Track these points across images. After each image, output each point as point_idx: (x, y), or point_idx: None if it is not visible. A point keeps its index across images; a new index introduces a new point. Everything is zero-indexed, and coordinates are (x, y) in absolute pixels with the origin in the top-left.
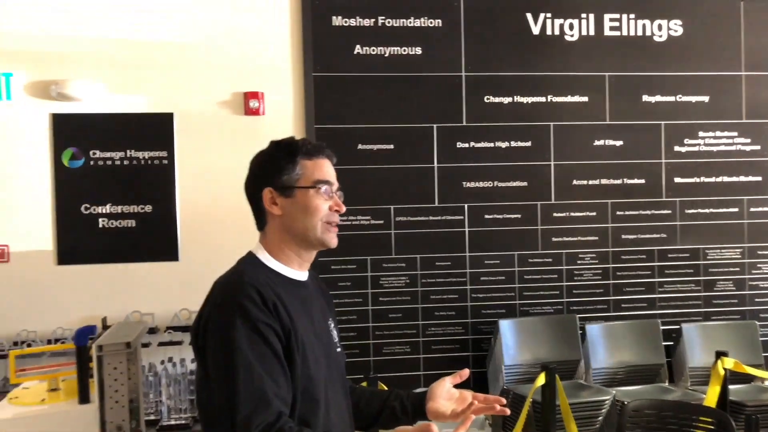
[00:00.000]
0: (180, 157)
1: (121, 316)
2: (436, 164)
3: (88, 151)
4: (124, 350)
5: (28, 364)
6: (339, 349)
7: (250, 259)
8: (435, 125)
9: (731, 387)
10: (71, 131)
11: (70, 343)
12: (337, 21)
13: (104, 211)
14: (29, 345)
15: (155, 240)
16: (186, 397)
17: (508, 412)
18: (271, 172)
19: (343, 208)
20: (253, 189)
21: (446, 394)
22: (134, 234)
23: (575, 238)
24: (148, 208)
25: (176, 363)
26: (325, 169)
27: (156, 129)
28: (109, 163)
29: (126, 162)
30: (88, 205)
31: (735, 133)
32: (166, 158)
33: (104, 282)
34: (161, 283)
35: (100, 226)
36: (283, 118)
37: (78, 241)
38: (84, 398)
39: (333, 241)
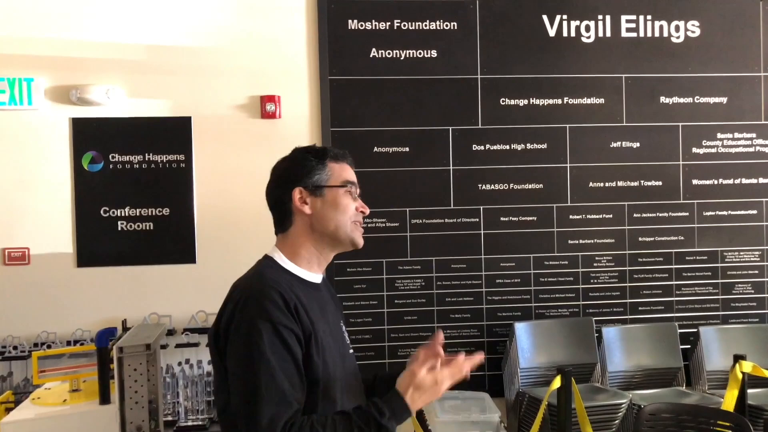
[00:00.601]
0: (197, 160)
1: (139, 318)
2: (451, 166)
3: (107, 155)
4: (144, 352)
5: (49, 365)
6: (351, 351)
7: (269, 262)
8: (450, 128)
9: (750, 391)
10: (91, 135)
11: (89, 345)
12: (353, 24)
13: (123, 214)
14: (49, 346)
15: (173, 243)
16: (203, 399)
17: (481, 357)
18: (302, 174)
19: (368, 210)
20: (280, 191)
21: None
22: (152, 237)
23: (591, 241)
24: (166, 211)
25: (193, 365)
26: (350, 172)
27: (174, 133)
28: (127, 166)
29: (144, 165)
30: (107, 208)
31: (753, 135)
32: (184, 161)
33: (122, 284)
34: (178, 285)
35: (119, 228)
36: (300, 122)
37: (97, 244)
38: (105, 399)
39: (361, 240)
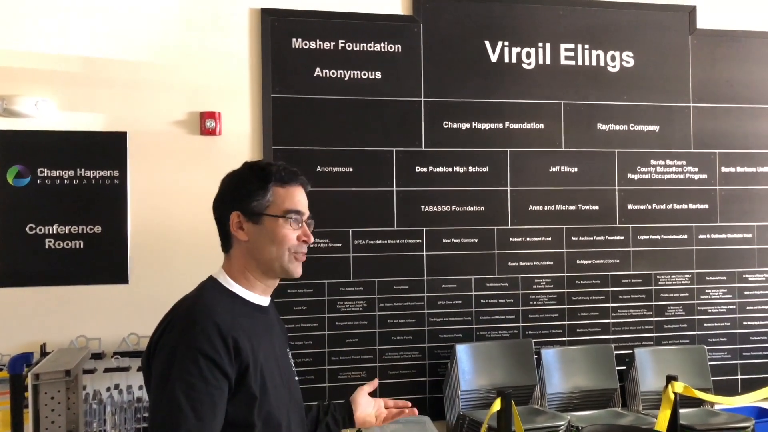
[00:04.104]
0: (133, 176)
1: (66, 341)
2: (395, 188)
3: (35, 170)
4: (63, 378)
5: None
6: (296, 378)
7: (212, 284)
8: (394, 149)
9: (681, 411)
10: (18, 148)
11: (5, 371)
12: (297, 43)
13: (51, 232)
14: None
15: (104, 262)
16: (132, 426)
17: (416, 412)
18: (241, 196)
19: (311, 239)
20: (221, 211)
21: (366, 402)
22: (82, 255)
23: (531, 263)
24: (98, 229)
25: (123, 390)
26: (297, 197)
27: (108, 148)
28: (57, 182)
29: (76, 181)
30: (33, 225)
31: (684, 162)
32: (118, 178)
33: (49, 305)
34: (109, 306)
35: (46, 246)
36: (241, 139)
37: (22, 263)
38: (17, 430)
39: (297, 271)
